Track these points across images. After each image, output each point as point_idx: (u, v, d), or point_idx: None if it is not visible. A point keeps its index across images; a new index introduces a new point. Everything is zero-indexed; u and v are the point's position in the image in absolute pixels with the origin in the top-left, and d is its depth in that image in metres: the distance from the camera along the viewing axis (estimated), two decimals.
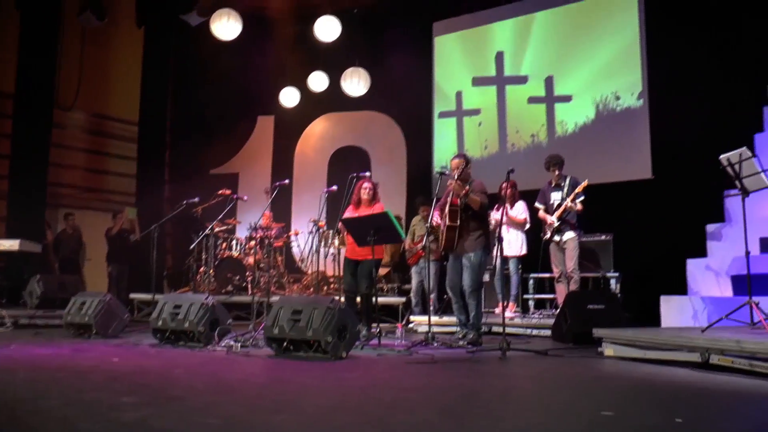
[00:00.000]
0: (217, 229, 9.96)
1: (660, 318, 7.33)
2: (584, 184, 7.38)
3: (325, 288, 9.96)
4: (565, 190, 7.64)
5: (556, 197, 7.77)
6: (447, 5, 11.65)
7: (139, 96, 12.08)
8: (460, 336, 6.58)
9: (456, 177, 6.51)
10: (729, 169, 5.55)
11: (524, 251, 8.37)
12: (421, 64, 11.69)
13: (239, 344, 5.86)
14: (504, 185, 7.90)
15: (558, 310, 7.65)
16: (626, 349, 5.18)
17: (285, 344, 5.38)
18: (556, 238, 7.66)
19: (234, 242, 9.72)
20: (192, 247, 8.24)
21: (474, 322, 6.51)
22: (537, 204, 7.92)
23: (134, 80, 12.16)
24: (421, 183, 11.32)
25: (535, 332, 7.31)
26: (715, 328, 5.14)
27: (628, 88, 9.90)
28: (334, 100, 11.80)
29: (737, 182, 5.52)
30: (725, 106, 8.64)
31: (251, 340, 6.05)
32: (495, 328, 7.31)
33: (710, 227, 8.04)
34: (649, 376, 4.41)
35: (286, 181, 7.36)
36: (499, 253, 8.11)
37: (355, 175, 7.04)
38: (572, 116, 10.42)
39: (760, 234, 7.39)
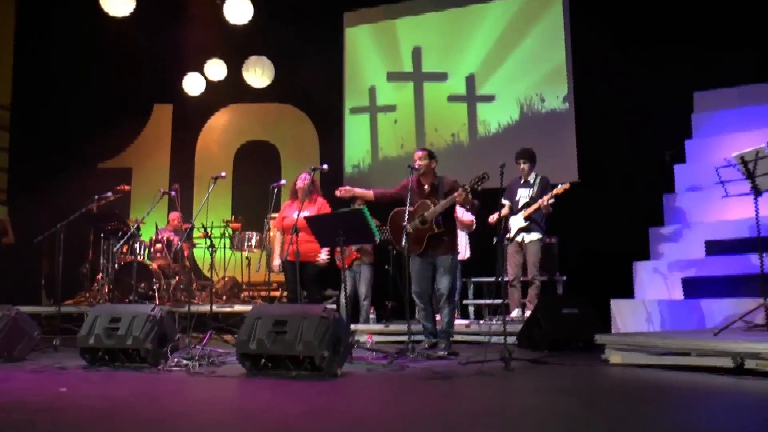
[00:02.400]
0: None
1: (610, 322, 7.32)
2: (565, 186, 7.17)
3: (242, 295, 9.18)
4: (535, 188, 7.43)
5: (523, 194, 7.53)
6: None
7: (11, 77, 10.62)
8: (427, 346, 6.19)
9: (420, 171, 6.13)
10: (742, 167, 5.51)
11: (468, 254, 8.08)
12: (332, 56, 11.18)
13: (196, 363, 5.11)
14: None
15: (518, 315, 7.48)
16: (636, 355, 5.00)
17: (263, 361, 4.72)
18: (519, 238, 7.44)
19: (137, 245, 8.74)
20: (116, 248, 7.22)
21: (447, 329, 6.15)
22: (503, 200, 7.59)
23: (4, 58, 10.69)
24: (333, 182, 10.76)
25: (495, 339, 7.00)
26: (727, 331, 5.05)
27: (553, 90, 9.95)
28: (239, 89, 11.01)
29: (749, 180, 5.49)
30: (653, 111, 8.86)
31: (207, 358, 5.31)
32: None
33: (653, 230, 8.17)
34: (677, 383, 4.23)
35: (223, 174, 6.63)
36: None
37: (313, 167, 6.46)
38: (495, 116, 10.34)
39: (705, 237, 7.58)
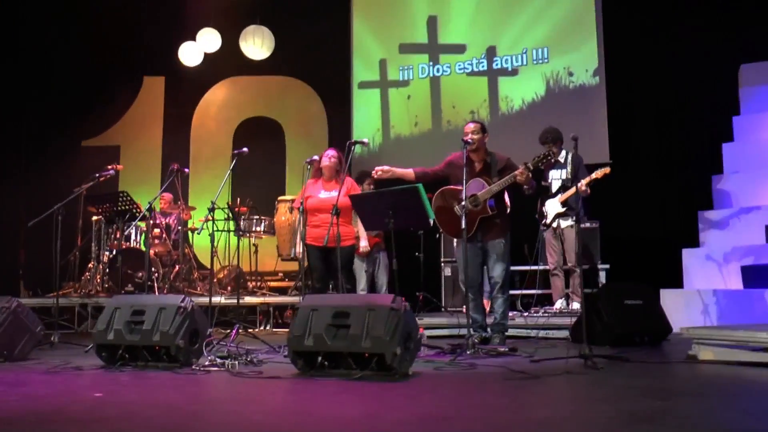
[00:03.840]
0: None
1: None
2: (606, 170, 6.80)
3: (251, 286, 8.72)
4: (568, 168, 7.06)
5: (556, 176, 7.19)
6: None
7: None
8: (477, 340, 5.81)
9: (474, 147, 5.74)
10: None
11: None
12: (338, 25, 10.72)
13: (234, 361, 4.68)
14: None
15: (562, 307, 7.15)
16: (731, 351, 4.67)
17: (320, 360, 4.30)
18: (555, 224, 7.10)
19: (133, 230, 8.24)
20: (126, 231, 6.71)
21: (502, 321, 5.80)
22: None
23: None
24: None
25: (543, 333, 6.67)
26: None
27: (582, 63, 9.59)
28: (238, 61, 10.49)
29: None
30: (694, 86, 8.60)
31: (244, 356, 4.88)
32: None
33: (703, 214, 7.90)
34: None
35: (245, 149, 6.18)
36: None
37: (353, 142, 6.05)
38: (518, 92, 9.98)
39: (764, 221, 7.30)
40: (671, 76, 8.79)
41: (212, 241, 6.03)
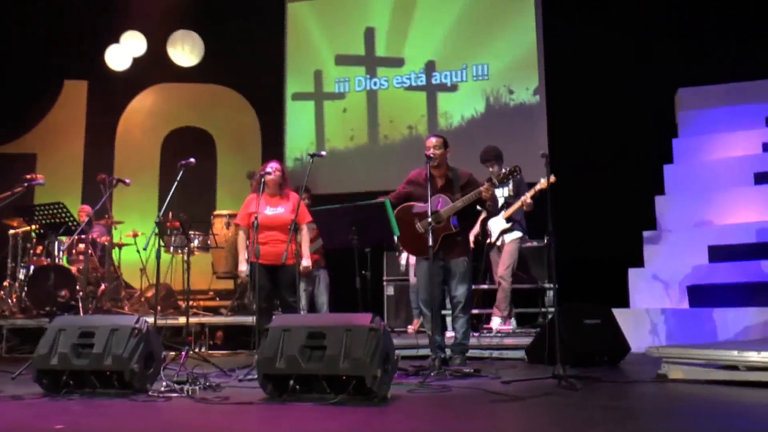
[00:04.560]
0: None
1: None
2: (551, 180, 6.84)
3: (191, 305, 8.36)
4: (510, 185, 7.12)
5: (498, 194, 7.21)
6: None
7: None
8: (436, 362, 5.73)
9: (435, 163, 5.71)
10: None
11: None
12: (272, 33, 10.55)
13: (194, 387, 4.46)
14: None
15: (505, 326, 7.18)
16: (701, 370, 4.78)
17: (291, 383, 4.14)
18: (499, 242, 7.15)
19: (55, 245, 7.81)
20: (64, 247, 6.30)
21: (463, 342, 5.75)
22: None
23: None
24: None
25: (496, 354, 6.68)
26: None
27: (522, 81, 9.79)
28: (167, 67, 10.16)
29: None
30: (633, 108, 8.86)
31: (203, 380, 4.66)
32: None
33: (648, 234, 8.10)
34: None
35: (192, 160, 5.95)
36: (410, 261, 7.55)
37: (312, 154, 5.91)
38: (458, 108, 10.07)
39: (706, 242, 7.57)
40: (611, 97, 9.01)
41: (158, 258, 5.71)
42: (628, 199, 8.64)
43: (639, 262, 8.09)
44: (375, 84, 10.37)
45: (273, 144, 10.27)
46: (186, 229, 7.83)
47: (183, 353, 5.35)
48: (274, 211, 5.93)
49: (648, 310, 7.25)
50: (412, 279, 7.65)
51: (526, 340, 6.74)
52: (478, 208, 6.27)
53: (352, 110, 10.43)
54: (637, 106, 8.83)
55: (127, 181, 6.57)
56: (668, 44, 8.90)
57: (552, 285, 7.78)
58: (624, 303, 7.76)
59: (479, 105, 9.94)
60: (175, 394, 4.36)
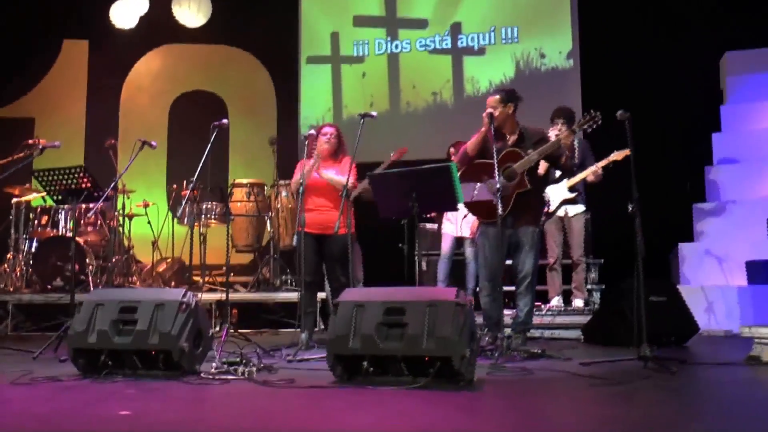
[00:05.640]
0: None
1: None
2: (626, 152, 6.47)
3: (203, 281, 7.97)
4: (576, 152, 6.76)
5: None
6: None
7: None
8: (490, 341, 5.39)
9: (492, 119, 5.27)
10: None
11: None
12: None
13: (251, 369, 4.09)
14: (453, 149, 6.99)
15: (559, 304, 6.86)
16: None
17: (365, 365, 3.78)
18: (561, 212, 6.79)
19: (61, 215, 7.40)
20: (91, 213, 5.87)
21: (528, 321, 5.40)
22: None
23: None
24: (284, 147, 9.67)
25: (548, 333, 6.37)
26: None
27: (554, 45, 9.41)
28: (174, 27, 9.68)
29: None
30: (676, 73, 8.51)
31: (257, 361, 4.29)
32: None
33: (698, 207, 7.81)
34: None
35: (154, 143, 5.64)
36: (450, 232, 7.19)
37: (363, 114, 5.52)
38: (485, 73, 9.66)
39: (765, 215, 7.26)
40: (650, 62, 8.67)
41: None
42: (674, 170, 8.32)
43: (688, 236, 7.80)
44: (396, 47, 9.95)
45: (289, 109, 9.84)
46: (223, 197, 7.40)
47: (224, 332, 4.96)
48: (328, 174, 5.54)
49: (703, 287, 6.96)
50: (445, 249, 7.30)
51: (579, 319, 6.45)
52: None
53: (372, 75, 10.00)
54: (680, 70, 8.47)
55: (154, 143, 6.12)
56: (713, 4, 8.52)
57: (590, 259, 7.47)
58: (670, 279, 7.48)
59: (508, 69, 9.55)
60: (231, 377, 3.99)
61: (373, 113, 5.58)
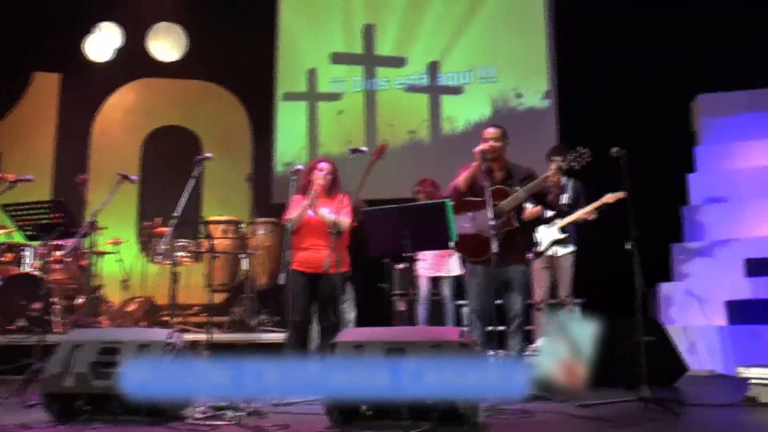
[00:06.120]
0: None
1: None
2: (620, 195, 6.42)
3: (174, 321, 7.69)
4: (570, 193, 6.70)
5: None
6: None
7: None
8: None
9: (485, 154, 5.20)
10: None
11: (460, 270, 7.20)
12: (263, 27, 10.00)
13: (240, 414, 3.89)
14: (418, 187, 6.97)
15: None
16: None
17: (363, 409, 3.61)
18: (550, 252, 6.70)
19: (28, 252, 7.13)
20: (67, 251, 5.60)
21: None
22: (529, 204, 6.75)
23: None
24: (260, 184, 9.50)
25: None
26: None
27: (531, 85, 9.40)
28: (150, 61, 9.51)
29: None
30: (649, 114, 8.56)
31: (244, 405, 4.08)
32: None
33: (677, 247, 7.79)
34: None
35: (134, 177, 5.55)
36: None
37: (353, 149, 5.40)
38: (463, 112, 9.61)
39: (743, 255, 7.27)
40: (625, 103, 8.70)
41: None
42: (650, 210, 8.30)
43: (665, 276, 7.77)
44: (374, 85, 9.89)
45: (265, 145, 9.69)
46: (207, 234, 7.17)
47: None
48: (322, 211, 5.39)
49: (685, 327, 6.91)
50: (423, 292, 7.18)
51: None
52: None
53: (349, 112, 9.90)
54: (653, 112, 8.51)
55: (133, 177, 5.92)
56: (685, 48, 8.60)
57: (577, 300, 7.40)
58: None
59: (485, 109, 9.51)
60: (219, 422, 3.78)
61: (364, 148, 5.47)
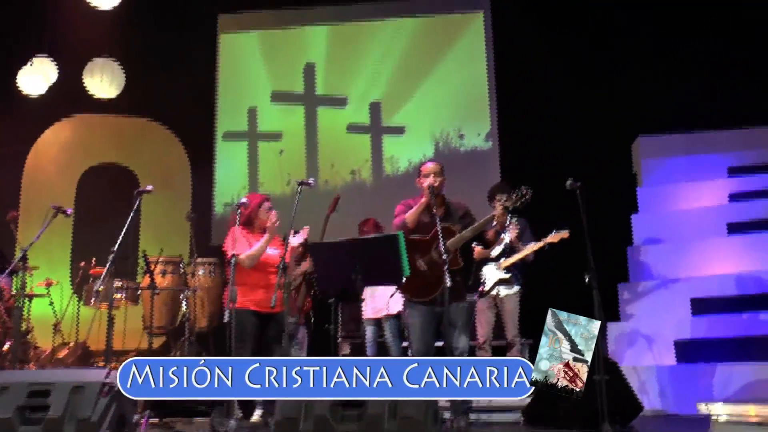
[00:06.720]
0: None
1: None
2: (564, 234, 6.41)
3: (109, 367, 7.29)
4: (512, 232, 6.59)
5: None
6: None
7: None
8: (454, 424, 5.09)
9: (433, 190, 5.16)
10: None
11: (401, 307, 7.03)
12: (202, 64, 9.83)
13: None
14: (362, 228, 6.93)
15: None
16: (757, 429, 4.33)
17: None
18: (494, 292, 6.58)
19: None
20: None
21: (470, 401, 5.14)
22: (476, 245, 6.64)
23: None
24: (199, 224, 9.20)
25: (485, 416, 6.06)
26: None
27: (473, 126, 9.46)
28: (86, 96, 9.20)
29: None
30: (591, 155, 8.62)
31: None
32: None
33: (624, 286, 7.78)
34: None
35: (69, 210, 5.35)
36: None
37: (300, 182, 5.22)
38: (405, 152, 9.59)
39: (689, 294, 7.30)
40: (567, 143, 8.76)
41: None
42: (595, 250, 8.30)
43: (612, 316, 7.74)
44: (315, 125, 9.77)
45: (204, 184, 9.45)
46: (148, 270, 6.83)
47: (144, 419, 4.44)
48: (275, 250, 5.19)
49: (636, 367, 6.85)
50: (368, 335, 7.02)
51: (516, 399, 6.17)
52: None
53: (290, 152, 9.77)
54: (594, 153, 8.58)
55: (69, 210, 5.62)
56: (627, 89, 8.74)
57: (524, 340, 7.29)
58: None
59: (428, 149, 9.48)
60: None
61: (311, 181, 5.30)
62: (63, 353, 7.51)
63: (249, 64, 10.03)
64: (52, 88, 9.01)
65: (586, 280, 4.63)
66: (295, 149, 9.76)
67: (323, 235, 6.41)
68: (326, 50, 9.92)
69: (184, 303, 7.33)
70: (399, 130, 9.65)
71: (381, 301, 6.76)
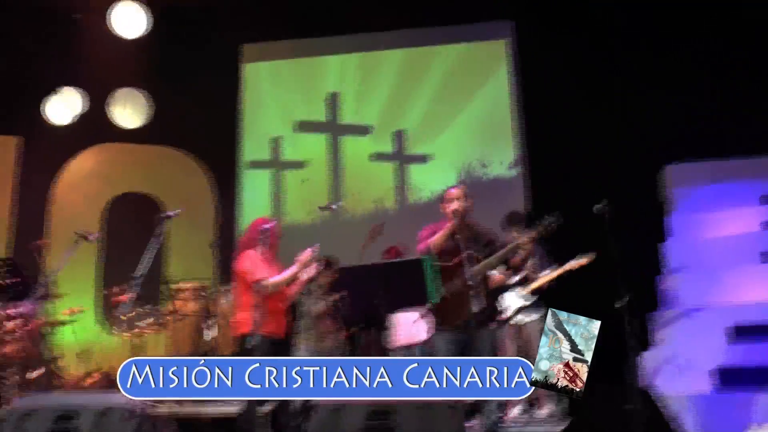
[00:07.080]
0: None
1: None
2: (582, 262, 6.33)
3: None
4: (534, 258, 6.51)
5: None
6: (263, 25, 9.98)
7: None
8: None
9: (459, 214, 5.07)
10: None
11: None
12: (227, 95, 9.89)
13: None
14: (385, 256, 6.89)
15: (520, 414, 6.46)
16: None
17: None
18: (517, 319, 6.48)
19: None
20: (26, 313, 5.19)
21: (495, 428, 4.99)
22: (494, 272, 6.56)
23: None
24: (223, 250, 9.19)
25: None
26: None
27: (497, 155, 9.40)
28: (111, 125, 9.29)
29: None
30: (617, 183, 8.51)
31: None
32: None
33: (656, 315, 7.64)
34: None
35: (92, 237, 5.32)
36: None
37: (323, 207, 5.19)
38: (428, 181, 9.52)
39: (725, 322, 7.13)
40: (592, 173, 8.66)
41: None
42: (623, 279, 8.18)
43: (642, 344, 7.59)
44: (338, 154, 9.76)
45: (228, 212, 9.44)
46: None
47: None
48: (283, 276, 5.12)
49: (669, 396, 6.67)
50: None
51: (547, 428, 6.06)
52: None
53: (313, 181, 9.77)
54: (620, 181, 8.49)
55: (91, 237, 5.59)
56: (653, 116, 8.67)
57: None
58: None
59: (450, 178, 9.39)
60: None
61: (333, 206, 5.24)
62: (89, 382, 7.53)
63: (272, 93, 10.09)
64: (77, 117, 9.11)
65: (617, 305, 4.45)
66: (319, 178, 9.75)
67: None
68: (349, 79, 9.94)
69: (207, 331, 7.30)
70: (422, 158, 9.61)
71: (413, 327, 6.66)
